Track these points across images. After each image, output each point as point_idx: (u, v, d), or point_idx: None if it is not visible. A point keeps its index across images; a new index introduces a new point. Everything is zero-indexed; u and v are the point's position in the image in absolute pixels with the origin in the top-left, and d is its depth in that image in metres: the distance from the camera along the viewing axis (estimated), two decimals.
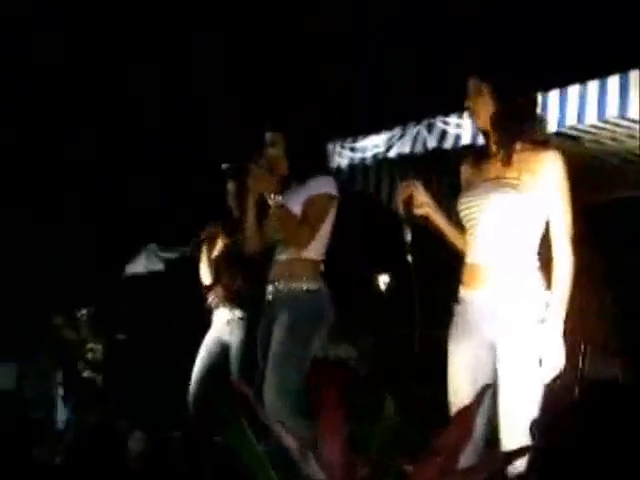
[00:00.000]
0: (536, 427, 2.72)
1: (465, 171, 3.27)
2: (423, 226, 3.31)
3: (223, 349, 5.25)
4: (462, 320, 3.06)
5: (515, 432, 2.77)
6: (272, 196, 3.99)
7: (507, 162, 3.01)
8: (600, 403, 4.66)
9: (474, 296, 3.02)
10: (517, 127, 3.02)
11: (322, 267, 4.19)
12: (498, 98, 3.05)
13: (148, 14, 11.27)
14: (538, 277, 2.94)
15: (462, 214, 3.13)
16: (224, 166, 4.92)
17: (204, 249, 5.57)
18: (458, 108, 5.97)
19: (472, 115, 3.23)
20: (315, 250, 4.11)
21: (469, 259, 3.08)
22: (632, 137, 6.15)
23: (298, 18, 10.91)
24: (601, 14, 9.89)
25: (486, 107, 3.08)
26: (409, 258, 3.16)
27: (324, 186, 4.13)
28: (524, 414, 2.79)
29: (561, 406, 2.79)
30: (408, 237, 3.20)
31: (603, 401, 4.72)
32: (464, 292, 3.07)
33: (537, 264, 2.98)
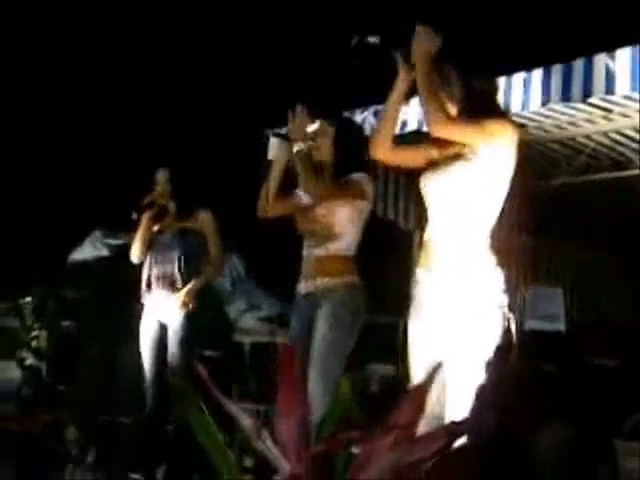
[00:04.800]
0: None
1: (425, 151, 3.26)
2: None
3: (165, 332, 5.17)
4: (417, 301, 3.10)
5: (460, 409, 2.80)
6: (301, 144, 3.92)
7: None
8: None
9: (425, 275, 3.06)
10: (480, 112, 3.04)
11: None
12: (465, 88, 3.07)
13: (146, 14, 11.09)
14: (488, 257, 2.96)
15: (422, 193, 3.17)
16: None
17: (144, 218, 5.30)
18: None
19: None
20: (346, 244, 4.05)
21: (424, 236, 3.12)
22: (574, 125, 6.26)
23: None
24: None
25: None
26: None
27: (363, 179, 4.05)
28: (469, 392, 2.82)
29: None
30: None
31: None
32: (419, 271, 3.10)
33: (488, 243, 2.99)
